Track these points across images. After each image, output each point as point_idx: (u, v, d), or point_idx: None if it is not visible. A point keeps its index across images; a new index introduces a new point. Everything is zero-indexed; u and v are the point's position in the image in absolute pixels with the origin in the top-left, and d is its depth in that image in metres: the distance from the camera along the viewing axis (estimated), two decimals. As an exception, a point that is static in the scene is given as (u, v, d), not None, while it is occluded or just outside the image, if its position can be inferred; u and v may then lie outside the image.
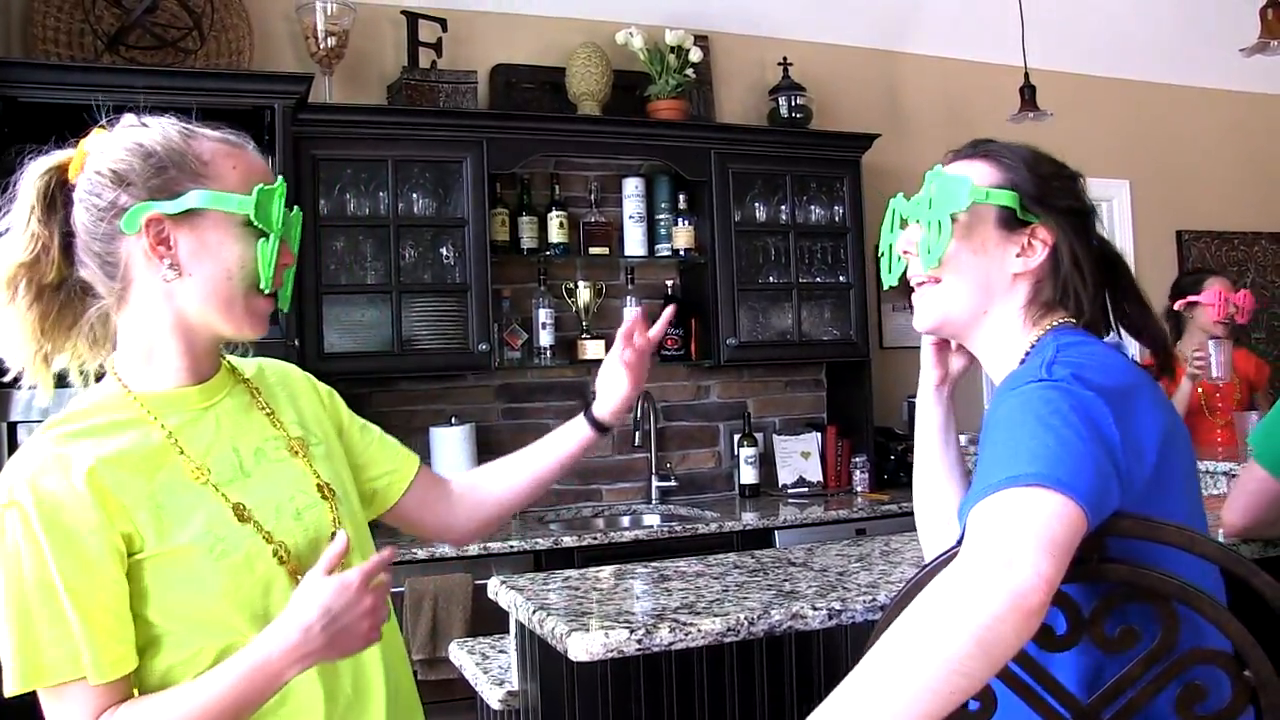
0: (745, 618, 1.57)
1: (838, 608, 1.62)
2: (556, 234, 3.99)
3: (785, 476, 4.28)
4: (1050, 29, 4.74)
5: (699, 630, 1.53)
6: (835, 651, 1.86)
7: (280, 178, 1.36)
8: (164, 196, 1.28)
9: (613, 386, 1.74)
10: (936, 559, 1.21)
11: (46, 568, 1.18)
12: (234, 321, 1.33)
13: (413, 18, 3.92)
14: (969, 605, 0.99)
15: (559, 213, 4.00)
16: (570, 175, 4.16)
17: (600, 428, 1.75)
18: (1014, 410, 1.20)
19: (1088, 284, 1.42)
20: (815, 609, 1.61)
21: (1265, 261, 5.84)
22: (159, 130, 1.32)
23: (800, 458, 4.28)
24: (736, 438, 4.27)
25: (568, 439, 1.74)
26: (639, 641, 1.49)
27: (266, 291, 1.33)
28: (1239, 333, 4.22)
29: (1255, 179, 5.74)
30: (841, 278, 4.31)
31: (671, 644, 1.51)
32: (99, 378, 1.37)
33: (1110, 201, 5.34)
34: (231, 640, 1.25)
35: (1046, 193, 1.42)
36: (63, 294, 1.33)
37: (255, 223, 1.30)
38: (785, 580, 1.81)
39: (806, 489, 4.24)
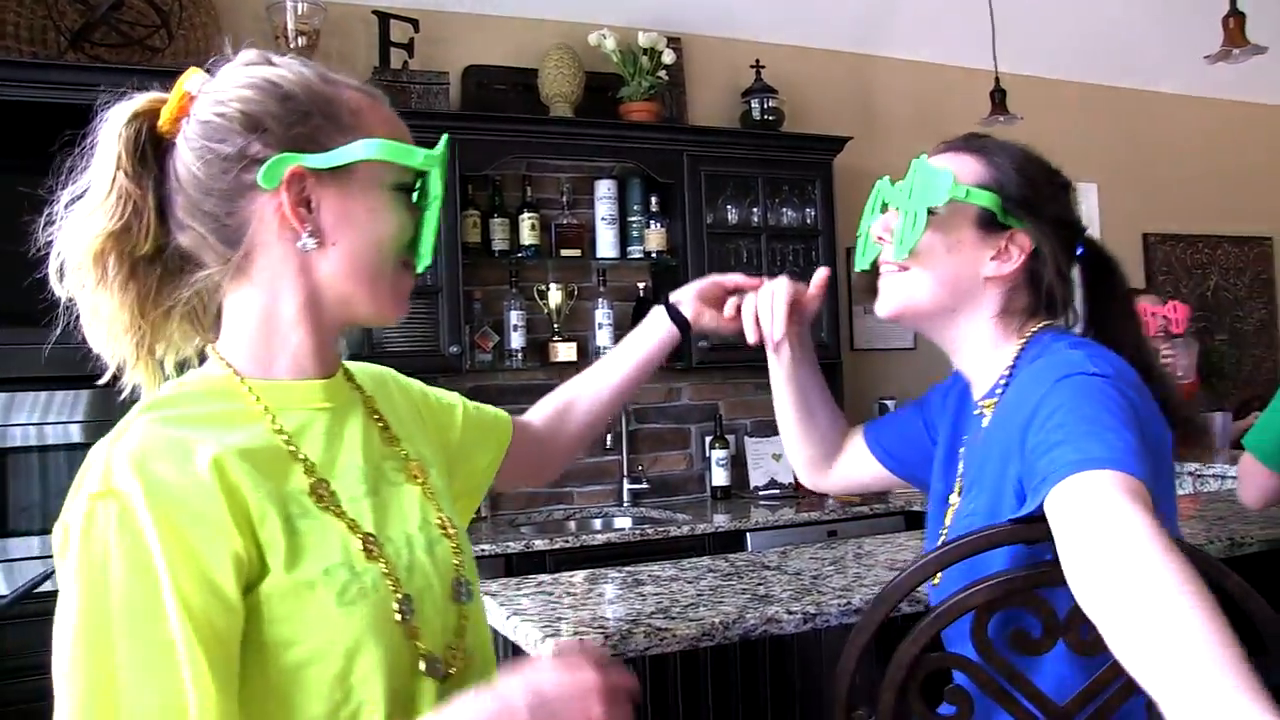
0: (720, 622, 1.56)
1: (812, 611, 1.62)
2: (528, 236, 3.97)
3: (757, 479, 4.27)
4: (1020, 33, 4.77)
5: (674, 635, 1.52)
6: (810, 655, 1.86)
7: (445, 135, 1.19)
8: (312, 149, 1.04)
9: (705, 304, 1.55)
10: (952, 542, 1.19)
11: (150, 582, 0.88)
12: (378, 302, 1.10)
13: (384, 18, 3.90)
14: (1142, 548, 0.93)
15: (531, 214, 3.99)
16: (542, 177, 4.14)
17: (683, 324, 1.53)
18: (1074, 396, 1.15)
19: (1072, 295, 1.40)
20: (790, 613, 1.61)
21: (1228, 264, 5.90)
22: (294, 70, 1.08)
23: (772, 460, 4.28)
24: (708, 440, 4.27)
25: (647, 338, 1.53)
26: (614, 647, 1.48)
27: (420, 270, 1.13)
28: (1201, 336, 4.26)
29: (1219, 183, 5.80)
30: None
31: (647, 649, 1.50)
32: (183, 367, 1.13)
33: (1080, 204, 5.36)
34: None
35: (1031, 198, 1.36)
36: (159, 268, 1.08)
37: (422, 185, 1.11)
38: (759, 584, 1.80)
39: (778, 491, 4.24)
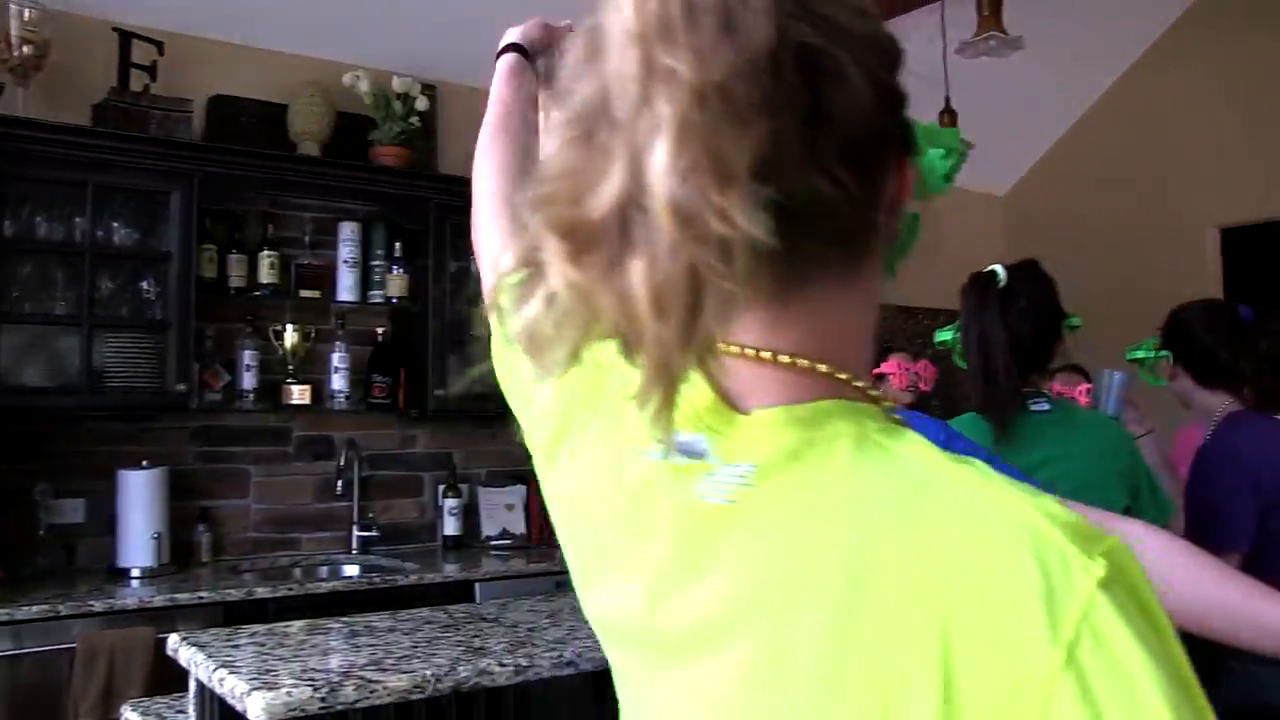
0: (432, 674, 1.59)
1: (525, 664, 1.67)
2: (267, 274, 3.89)
3: (489, 528, 4.30)
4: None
5: (385, 688, 1.54)
6: (528, 706, 1.90)
7: None
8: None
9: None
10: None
11: None
12: None
13: (126, 36, 3.75)
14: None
15: (271, 253, 3.91)
16: (286, 215, 4.07)
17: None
18: None
19: None
20: (503, 665, 1.66)
21: (963, 323, 6.40)
22: None
23: (505, 510, 4.32)
24: (441, 488, 4.27)
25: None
26: (323, 700, 1.48)
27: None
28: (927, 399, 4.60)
29: (937, 261, 6.26)
30: (553, 335, 4.40)
31: (356, 702, 1.51)
32: None
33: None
34: None
35: None
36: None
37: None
38: (476, 636, 1.84)
39: (510, 541, 4.28)
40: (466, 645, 1.76)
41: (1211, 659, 2.40)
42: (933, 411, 5.37)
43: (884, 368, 4.20)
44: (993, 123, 6.11)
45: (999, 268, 2.21)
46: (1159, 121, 6.06)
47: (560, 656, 1.70)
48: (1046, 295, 2.17)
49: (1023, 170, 6.69)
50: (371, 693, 1.52)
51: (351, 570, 3.90)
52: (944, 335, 2.48)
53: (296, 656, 1.68)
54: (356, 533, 4.10)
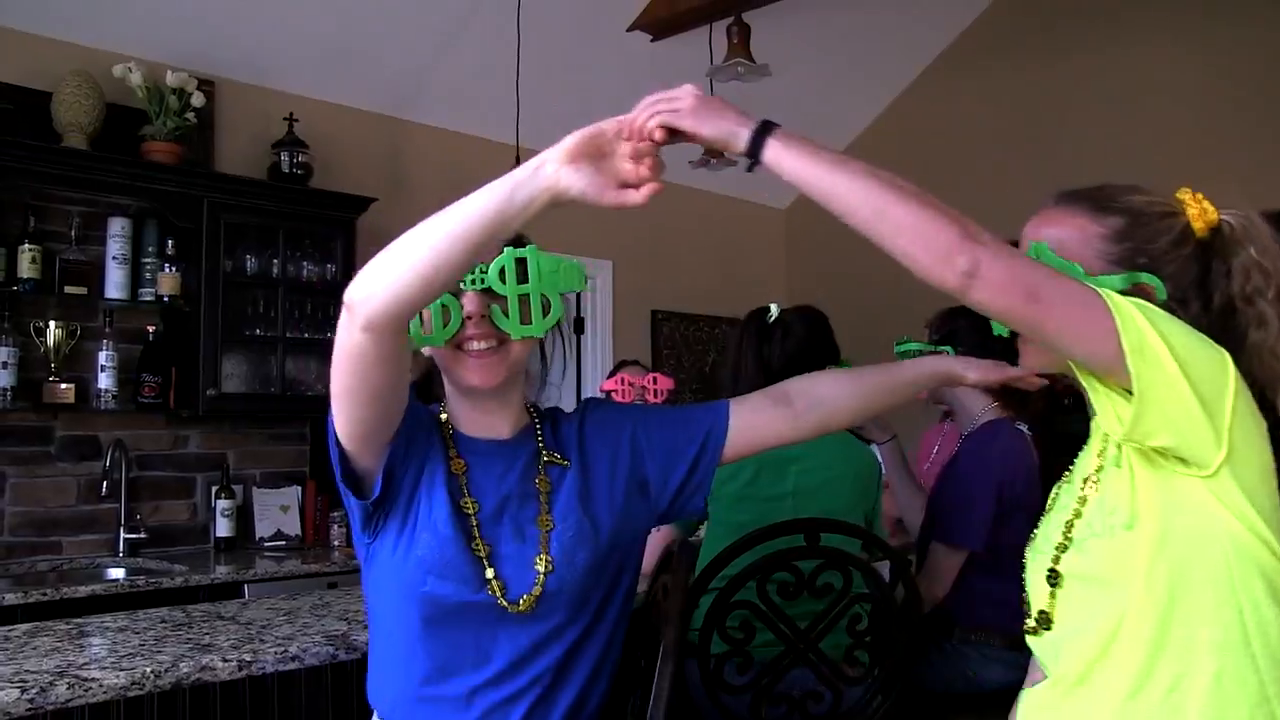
0: (152, 671, 1.61)
1: (248, 659, 1.71)
2: (28, 269, 3.76)
3: (263, 529, 4.26)
4: (545, 114, 5.14)
5: (101, 686, 1.56)
6: (266, 700, 1.93)
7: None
8: None
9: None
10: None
11: None
12: None
13: None
14: None
15: (33, 247, 3.78)
16: (50, 208, 3.93)
17: None
18: None
19: None
20: (226, 661, 1.69)
21: (725, 343, 6.63)
22: None
23: (279, 511, 4.29)
24: (214, 489, 4.21)
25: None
26: (31, 701, 1.49)
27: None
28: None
29: (717, 269, 6.51)
30: (329, 334, 4.35)
31: (69, 701, 1.53)
32: None
33: (594, 279, 5.86)
34: None
35: None
36: None
37: None
38: (208, 634, 1.87)
39: (284, 542, 4.25)
40: (195, 643, 1.79)
41: (923, 641, 2.62)
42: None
43: (606, 385, 4.32)
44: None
45: (773, 306, 2.48)
46: (930, 142, 6.43)
47: (285, 651, 1.74)
48: (809, 336, 2.40)
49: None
50: (86, 690, 1.53)
51: (116, 573, 3.81)
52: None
53: (13, 659, 1.68)
54: (124, 535, 4.00)
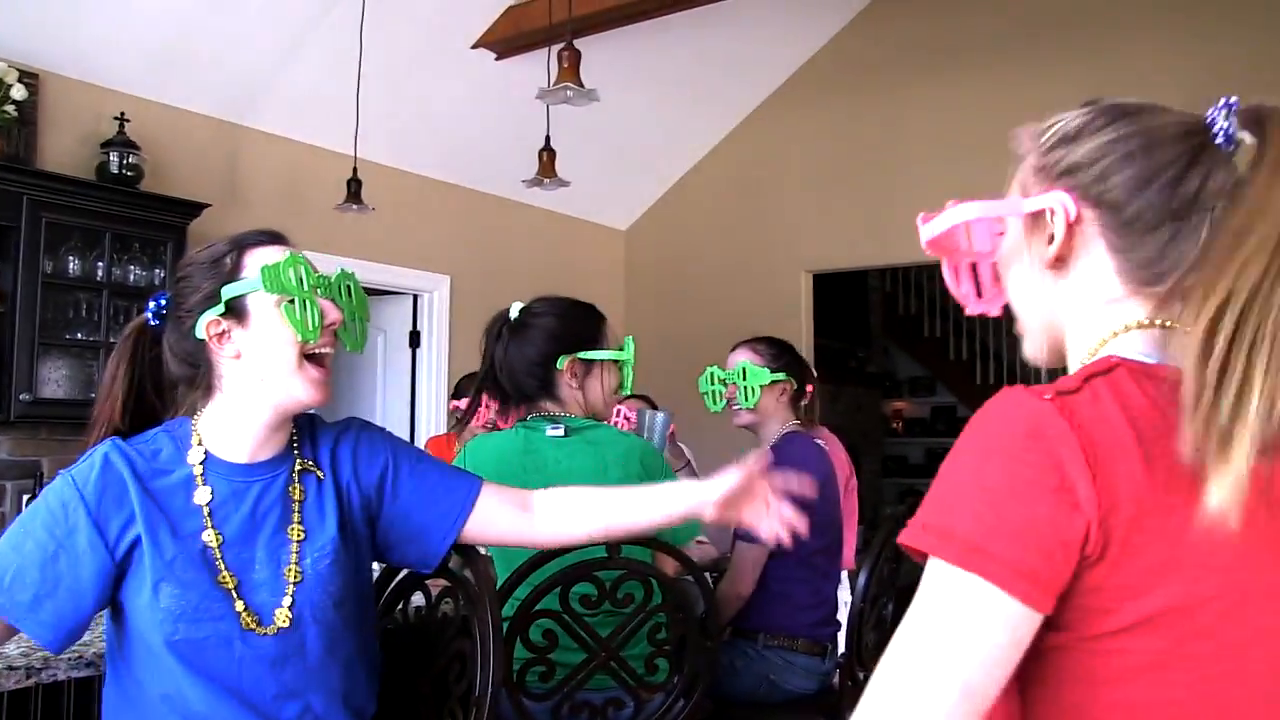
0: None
1: (38, 666, 1.68)
2: None
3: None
4: (385, 127, 5.15)
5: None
6: (24, 713, 1.89)
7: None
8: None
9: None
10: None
11: None
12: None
13: None
14: None
15: None
16: None
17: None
18: None
19: None
20: (13, 669, 1.66)
21: None
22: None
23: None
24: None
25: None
26: None
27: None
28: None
29: (557, 287, 6.52)
30: (156, 341, 4.29)
31: None
32: None
33: (432, 294, 5.86)
34: None
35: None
36: None
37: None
38: None
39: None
40: (-15, 651, 1.75)
41: (724, 648, 2.71)
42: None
43: (460, 403, 4.34)
44: (618, 163, 6.50)
45: (515, 305, 2.46)
46: (764, 172, 6.65)
47: (80, 658, 1.72)
48: (543, 329, 2.38)
49: (643, 208, 7.11)
50: None
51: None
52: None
53: None
54: (-77, 544, 3.83)
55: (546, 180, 4.11)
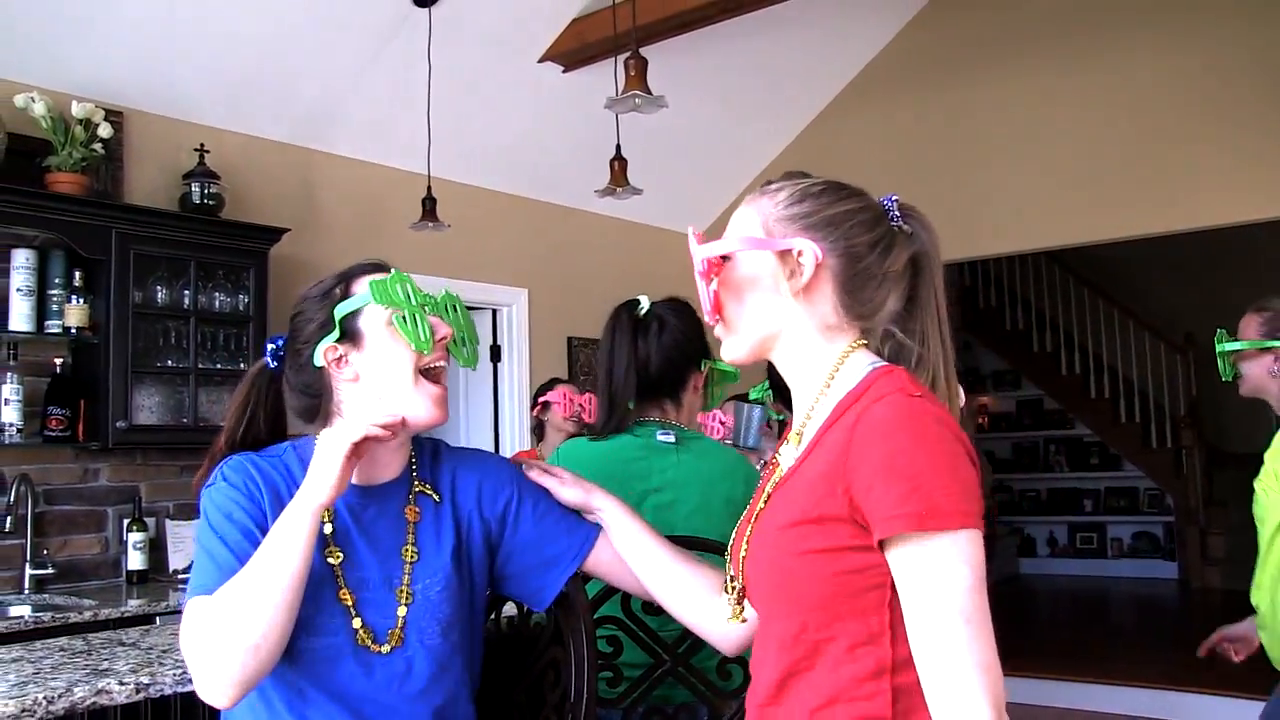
0: (44, 697, 1.62)
1: (146, 681, 1.72)
2: (-73, 302, 3.72)
3: (176, 561, 4.22)
4: (456, 145, 5.20)
5: (-9, 713, 1.56)
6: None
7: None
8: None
9: None
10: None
11: None
12: None
13: None
14: None
15: (-68, 280, 3.73)
16: (-51, 240, 3.89)
17: None
18: None
19: None
20: (123, 684, 1.70)
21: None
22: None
23: (193, 543, 4.24)
24: (126, 522, 4.17)
25: None
26: (-85, 729, 1.49)
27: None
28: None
29: (626, 291, 6.56)
30: (242, 365, 4.38)
31: (-45, 730, 1.53)
32: None
33: (510, 307, 5.90)
34: None
35: None
36: None
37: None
38: (106, 660, 1.87)
39: (198, 574, 4.20)
40: (93, 668, 1.79)
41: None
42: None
43: (549, 395, 4.37)
44: (689, 169, 6.50)
45: (644, 298, 2.33)
46: (834, 173, 6.53)
47: (184, 674, 1.76)
48: (684, 330, 2.27)
49: (718, 212, 7.09)
50: (-26, 719, 1.54)
51: (20, 611, 3.75)
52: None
53: (-100, 691, 1.67)
54: (29, 571, 3.94)
55: (619, 189, 4.12)
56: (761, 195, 1.41)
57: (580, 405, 4.34)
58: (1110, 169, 5.78)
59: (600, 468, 2.16)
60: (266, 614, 1.41)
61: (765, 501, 1.37)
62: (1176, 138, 5.59)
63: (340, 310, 1.60)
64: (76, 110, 4.03)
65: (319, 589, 1.55)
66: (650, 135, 5.13)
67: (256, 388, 1.72)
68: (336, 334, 1.60)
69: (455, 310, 1.68)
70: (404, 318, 1.58)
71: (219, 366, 4.36)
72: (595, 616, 1.89)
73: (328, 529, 1.59)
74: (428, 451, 1.76)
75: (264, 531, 1.52)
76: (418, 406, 1.60)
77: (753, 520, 1.38)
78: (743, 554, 1.38)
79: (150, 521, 4.23)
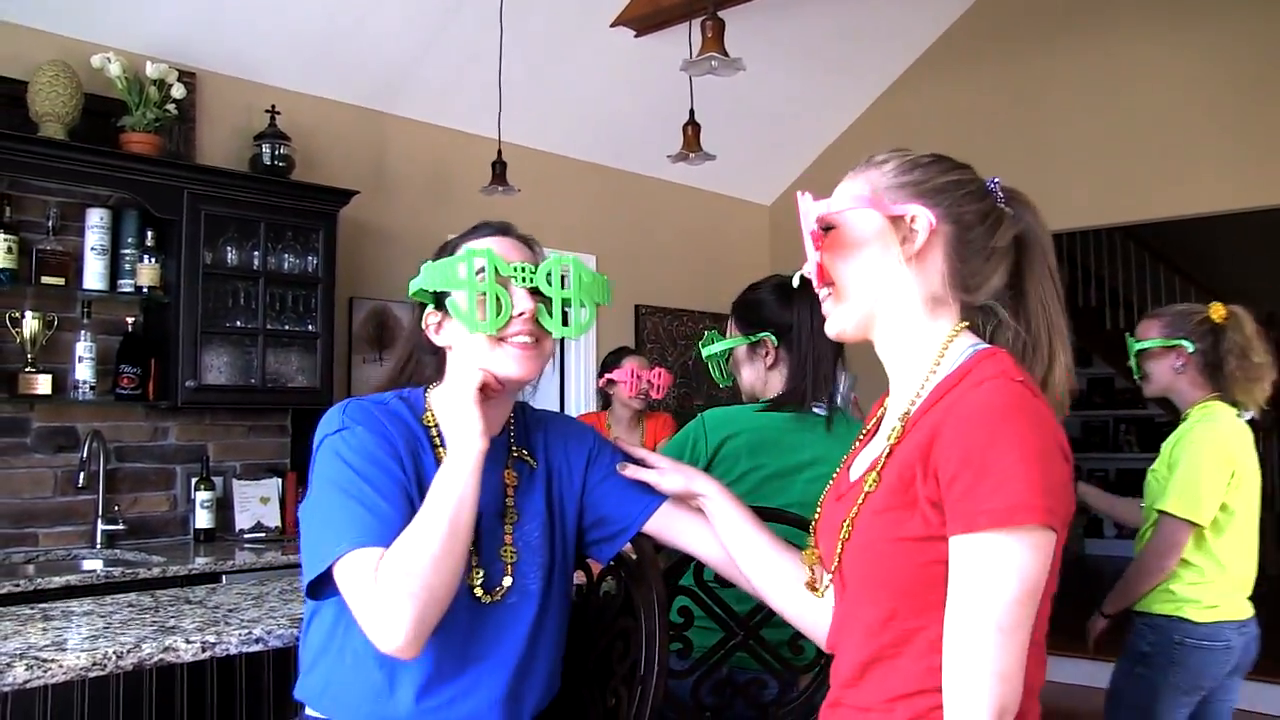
0: (114, 652, 1.61)
1: (212, 640, 1.71)
2: (4, 259, 3.74)
3: (243, 521, 4.25)
4: (527, 110, 5.16)
5: (60, 666, 1.55)
6: (201, 684, 1.92)
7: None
8: None
9: None
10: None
11: None
12: None
13: None
14: None
15: (9, 237, 3.76)
16: (26, 198, 3.91)
17: None
18: None
19: None
20: (189, 642, 1.69)
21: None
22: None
23: (259, 503, 4.28)
24: (194, 481, 4.20)
25: None
26: (-13, 680, 1.49)
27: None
28: (658, 404, 4.72)
29: (701, 264, 6.52)
30: (310, 326, 4.39)
31: (27, 682, 1.52)
32: None
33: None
34: None
35: None
36: None
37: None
38: (173, 617, 1.86)
39: (264, 534, 4.24)
40: (160, 625, 1.78)
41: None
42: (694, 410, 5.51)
43: (615, 374, 4.31)
44: (761, 137, 6.41)
45: (797, 273, 2.31)
46: (909, 141, 6.40)
47: (249, 634, 1.74)
48: None
49: (788, 182, 6.99)
50: (45, 671, 1.53)
51: (93, 565, 3.79)
52: (708, 349, 2.52)
53: (-26, 641, 1.67)
54: (101, 527, 3.99)
55: (692, 154, 4.05)
56: (868, 167, 1.40)
57: (649, 381, 4.27)
58: (1190, 143, 5.59)
59: (752, 437, 2.20)
60: (450, 565, 1.41)
61: (875, 483, 1.31)
62: (1259, 111, 5.40)
63: (413, 286, 1.64)
64: (151, 71, 4.05)
65: None
66: (723, 102, 5.04)
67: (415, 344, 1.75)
68: (432, 302, 1.64)
69: (552, 280, 1.62)
70: (456, 302, 1.59)
71: (287, 328, 4.36)
72: (668, 585, 1.86)
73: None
74: (518, 417, 1.76)
75: (405, 470, 1.53)
76: (503, 364, 1.59)
77: (859, 501, 1.32)
78: (845, 535, 1.33)
79: (218, 481, 4.26)
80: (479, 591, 1.57)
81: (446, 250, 1.68)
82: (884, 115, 6.69)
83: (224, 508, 4.27)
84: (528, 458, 1.71)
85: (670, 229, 6.38)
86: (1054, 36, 6.01)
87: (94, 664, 1.58)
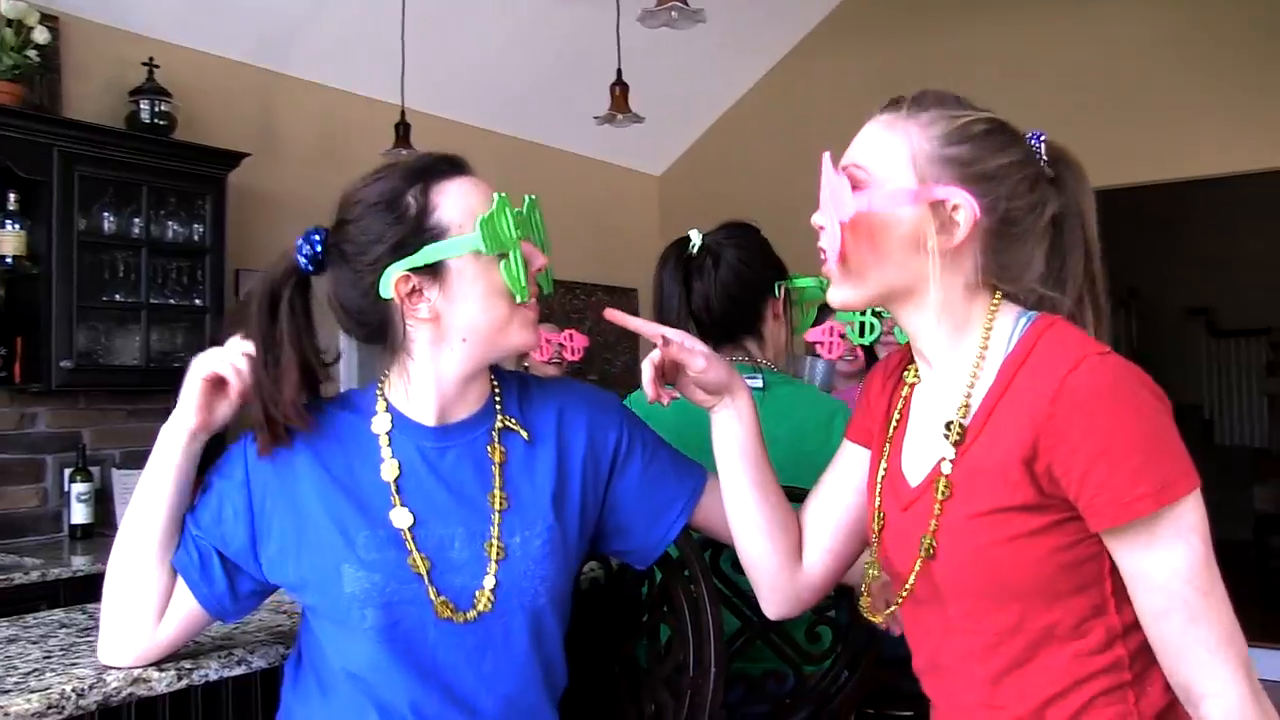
0: (73, 690, 1.31)
1: (189, 666, 1.42)
2: None
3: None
4: (428, 73, 4.84)
5: (7, 714, 1.25)
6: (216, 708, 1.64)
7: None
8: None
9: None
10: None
11: None
12: None
13: None
14: None
15: None
16: None
17: None
18: None
19: None
20: (162, 671, 1.40)
21: (600, 312, 6.45)
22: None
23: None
24: (68, 472, 3.79)
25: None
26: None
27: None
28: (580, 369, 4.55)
29: (597, 237, 6.31)
30: (198, 300, 4.02)
31: (-31, 738, 1.22)
32: None
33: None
34: None
35: None
36: None
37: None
38: (125, 639, 1.56)
39: (149, 529, 3.86)
40: (114, 651, 1.48)
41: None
42: (586, 380, 5.26)
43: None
44: (651, 106, 6.21)
45: (695, 233, 2.08)
46: (801, 115, 6.35)
47: (229, 655, 1.46)
48: (744, 258, 2.02)
49: (678, 153, 6.85)
50: (-10, 722, 1.23)
51: (-46, 570, 3.37)
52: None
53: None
54: (-40, 526, 3.56)
55: (620, 115, 3.82)
56: (910, 120, 1.22)
57: (560, 344, 4.11)
58: (1073, 119, 5.63)
59: (678, 421, 1.85)
60: (124, 566, 1.45)
61: (948, 489, 1.17)
62: (1123, 92, 5.50)
63: (433, 253, 1.31)
64: (6, 9, 3.61)
65: (381, 556, 1.33)
66: (611, 71, 4.80)
67: (292, 305, 1.40)
68: (412, 265, 1.32)
69: (540, 225, 1.43)
70: (510, 263, 1.32)
71: (172, 302, 4.00)
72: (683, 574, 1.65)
73: (393, 487, 1.37)
74: (513, 384, 1.49)
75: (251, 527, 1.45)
76: (519, 334, 1.37)
77: (935, 513, 1.18)
78: (929, 543, 1.19)
79: (95, 471, 3.86)
80: (447, 612, 1.34)
81: (399, 194, 1.34)
82: (777, 88, 6.59)
83: (103, 500, 3.89)
84: (516, 427, 1.43)
85: (560, 198, 6.13)
86: (949, 10, 5.98)
87: (49, 707, 1.29)
